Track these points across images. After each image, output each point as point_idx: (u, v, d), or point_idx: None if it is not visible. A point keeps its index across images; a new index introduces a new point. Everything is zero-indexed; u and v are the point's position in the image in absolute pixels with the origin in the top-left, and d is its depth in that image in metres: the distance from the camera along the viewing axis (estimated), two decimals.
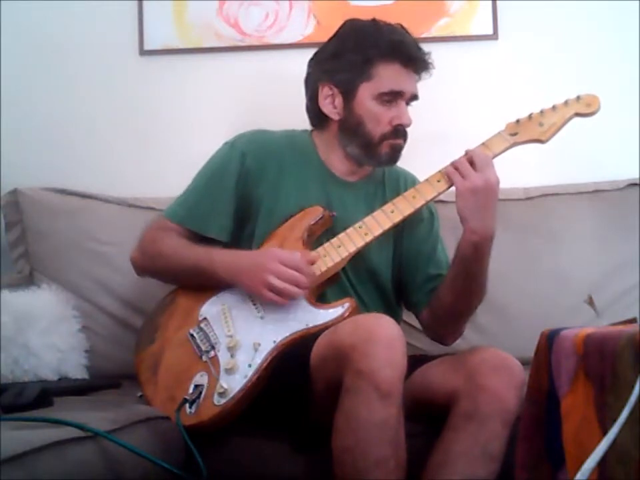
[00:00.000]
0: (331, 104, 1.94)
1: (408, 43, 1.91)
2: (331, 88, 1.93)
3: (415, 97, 1.94)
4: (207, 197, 1.97)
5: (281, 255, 1.81)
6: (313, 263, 1.84)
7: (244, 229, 1.97)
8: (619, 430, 1.17)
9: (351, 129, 1.93)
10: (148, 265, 1.99)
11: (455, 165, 1.83)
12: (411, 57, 1.90)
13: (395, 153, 1.93)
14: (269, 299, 1.80)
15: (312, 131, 2.04)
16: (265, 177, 1.96)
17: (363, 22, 1.96)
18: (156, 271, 1.99)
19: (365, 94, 1.90)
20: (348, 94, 1.91)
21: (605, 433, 1.21)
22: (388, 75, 1.89)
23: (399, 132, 1.91)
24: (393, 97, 1.89)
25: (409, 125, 1.92)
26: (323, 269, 1.85)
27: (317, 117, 1.98)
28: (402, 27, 1.95)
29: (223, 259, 1.87)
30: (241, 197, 1.96)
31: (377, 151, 1.92)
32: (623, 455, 1.16)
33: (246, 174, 1.95)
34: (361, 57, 1.89)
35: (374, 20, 1.95)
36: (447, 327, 1.96)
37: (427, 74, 1.94)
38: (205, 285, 1.89)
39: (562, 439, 1.35)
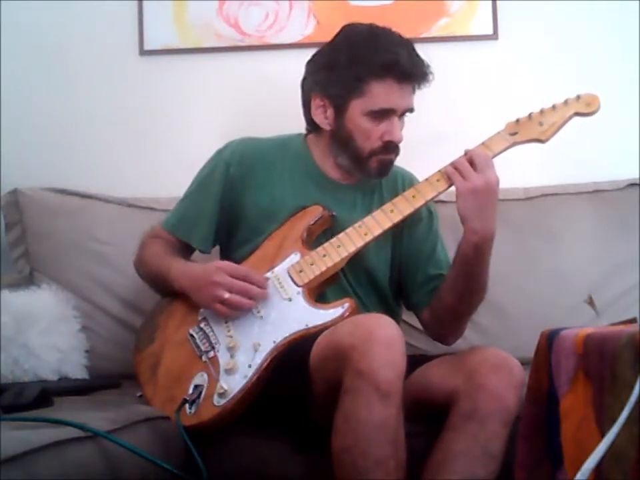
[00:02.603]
0: (322, 114, 1.92)
1: (402, 60, 1.84)
2: (323, 99, 1.91)
3: (409, 110, 1.91)
4: (193, 206, 2.00)
5: (227, 267, 1.83)
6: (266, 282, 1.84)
7: (233, 237, 1.99)
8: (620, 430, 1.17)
9: (341, 142, 1.92)
10: (138, 269, 2.05)
11: (454, 165, 1.83)
12: (406, 74, 1.86)
13: (385, 167, 1.92)
14: (222, 313, 1.82)
15: (307, 134, 2.03)
16: (252, 184, 1.96)
17: (358, 32, 1.91)
18: (142, 277, 2.04)
19: (356, 110, 1.87)
20: (339, 108, 1.89)
21: (602, 432, 1.21)
22: (380, 92, 1.85)
23: (389, 148, 1.89)
24: (385, 114, 1.87)
25: (399, 142, 1.90)
26: (323, 268, 1.85)
27: (310, 123, 1.98)
28: (400, 36, 1.89)
29: (177, 271, 1.89)
30: (227, 206, 1.97)
31: (366, 166, 1.91)
32: (620, 455, 1.16)
33: (231, 183, 1.97)
34: (353, 74, 1.85)
35: (371, 29, 1.90)
36: (448, 327, 1.96)
37: (426, 84, 1.90)
38: (171, 294, 1.92)
39: (561, 438, 1.35)
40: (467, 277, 1.84)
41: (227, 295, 1.79)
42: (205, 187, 2.00)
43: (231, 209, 1.98)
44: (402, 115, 1.90)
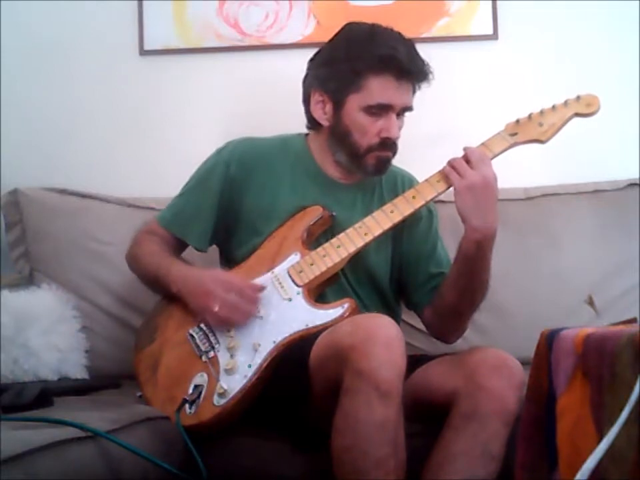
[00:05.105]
0: (321, 110, 1.93)
1: (400, 56, 1.85)
2: (322, 95, 1.92)
3: (407, 109, 1.91)
4: (191, 203, 2.00)
5: (222, 280, 1.83)
6: (261, 290, 1.84)
7: (232, 237, 1.98)
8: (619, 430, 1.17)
9: (339, 137, 1.92)
10: (131, 265, 2.04)
11: (451, 164, 1.83)
12: (403, 70, 1.86)
13: (382, 164, 1.92)
14: (211, 323, 1.83)
15: (307, 134, 2.03)
16: (252, 184, 1.96)
17: (359, 29, 1.92)
18: (136, 273, 2.03)
19: (353, 105, 1.88)
20: (337, 103, 1.90)
21: (600, 432, 1.21)
22: (377, 88, 1.86)
23: (386, 144, 1.89)
24: (382, 110, 1.87)
25: (397, 138, 1.90)
26: (323, 269, 1.85)
27: (310, 120, 1.98)
28: (400, 34, 1.90)
29: (177, 274, 1.89)
30: (225, 206, 1.97)
31: (363, 162, 1.91)
32: (617, 455, 1.16)
33: (230, 183, 1.96)
34: (351, 68, 1.86)
35: (372, 27, 1.91)
36: (451, 325, 1.96)
37: (426, 83, 1.91)
38: (167, 295, 1.92)
39: (556, 439, 1.35)
40: (469, 274, 1.84)
41: (216, 308, 1.80)
42: (203, 185, 1.99)
43: (229, 209, 1.97)
44: (400, 113, 1.90)
